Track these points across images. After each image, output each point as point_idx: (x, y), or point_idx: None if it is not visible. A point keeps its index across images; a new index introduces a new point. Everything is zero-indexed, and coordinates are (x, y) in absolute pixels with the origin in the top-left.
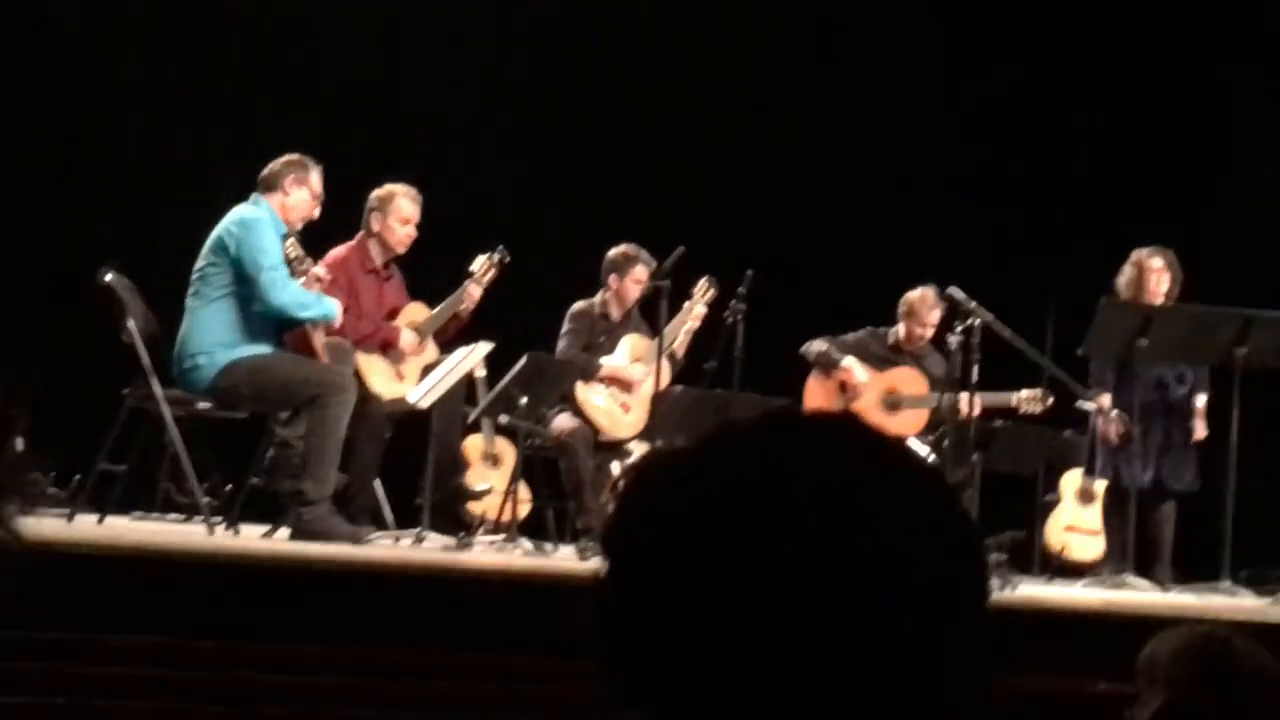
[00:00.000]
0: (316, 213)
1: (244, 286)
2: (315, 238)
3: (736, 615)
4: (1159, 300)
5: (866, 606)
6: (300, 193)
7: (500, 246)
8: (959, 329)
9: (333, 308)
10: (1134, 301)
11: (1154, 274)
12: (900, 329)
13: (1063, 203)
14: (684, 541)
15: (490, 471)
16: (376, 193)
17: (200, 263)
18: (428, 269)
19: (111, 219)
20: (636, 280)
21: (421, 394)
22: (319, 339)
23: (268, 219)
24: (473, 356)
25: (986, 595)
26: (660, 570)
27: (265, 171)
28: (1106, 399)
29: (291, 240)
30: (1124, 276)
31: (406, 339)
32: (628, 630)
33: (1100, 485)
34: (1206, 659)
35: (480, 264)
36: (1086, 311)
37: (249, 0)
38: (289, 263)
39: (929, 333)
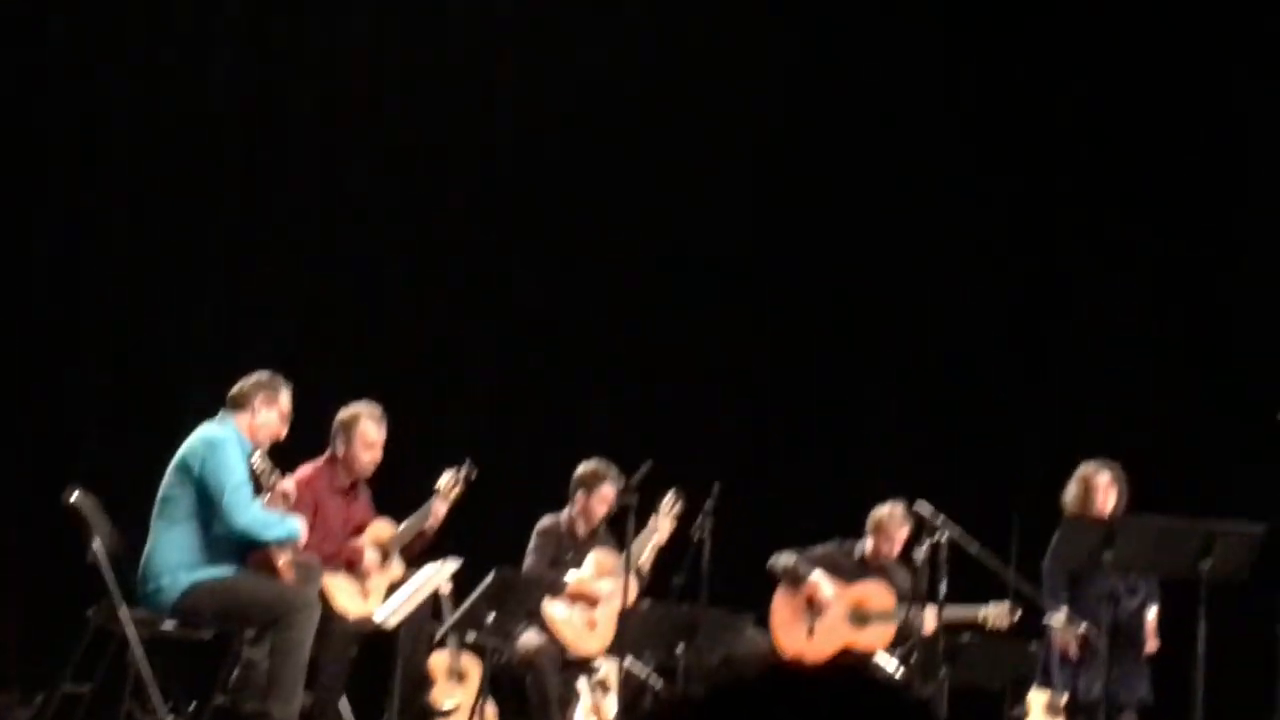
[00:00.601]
0: (284, 433)
1: (207, 508)
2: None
3: None
4: (1105, 514)
5: None
6: (269, 413)
7: (467, 460)
8: (926, 543)
9: (296, 528)
10: (1081, 513)
11: (1101, 490)
12: (868, 543)
13: (1023, 412)
14: None
15: (456, 688)
16: (341, 415)
17: (166, 483)
18: (395, 482)
19: (79, 437)
20: (603, 499)
21: (388, 613)
22: (283, 559)
23: (234, 438)
24: (440, 574)
25: None
26: None
27: (234, 390)
28: (1063, 612)
29: (259, 454)
30: (1070, 493)
31: (370, 559)
32: None
33: (1061, 698)
34: None
35: (446, 480)
36: (1047, 523)
37: (230, 214)
38: (256, 476)
39: (897, 548)
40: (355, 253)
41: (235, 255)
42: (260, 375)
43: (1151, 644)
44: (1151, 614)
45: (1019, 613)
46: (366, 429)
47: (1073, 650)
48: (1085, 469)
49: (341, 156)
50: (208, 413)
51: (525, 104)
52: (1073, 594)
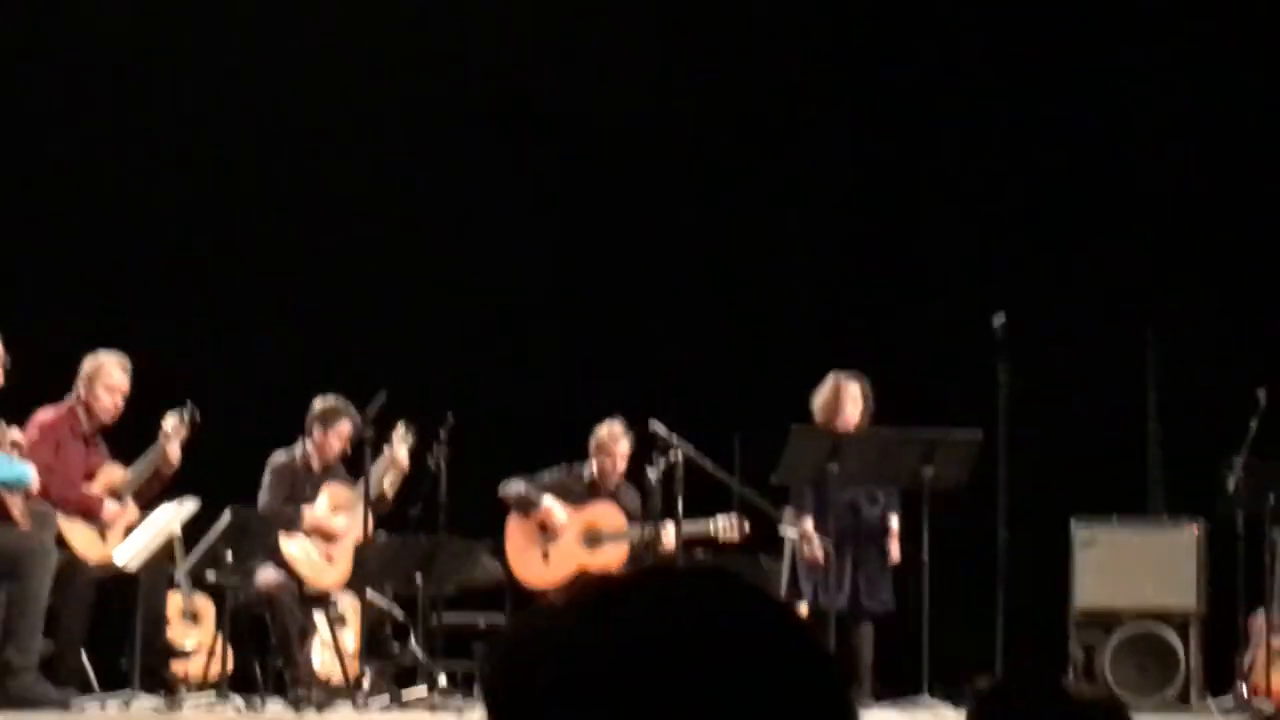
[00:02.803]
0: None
1: None
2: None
3: None
4: (851, 424)
5: None
6: None
7: (188, 402)
8: (661, 462)
9: (27, 472)
10: (826, 423)
11: (850, 400)
12: (593, 465)
13: (748, 328)
14: (570, 695)
15: (191, 629)
16: (87, 361)
17: None
18: (118, 426)
19: None
20: (340, 435)
21: (129, 555)
22: (16, 506)
23: None
24: (178, 514)
25: None
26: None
27: None
28: (809, 522)
29: None
30: (820, 396)
31: (109, 509)
32: None
33: (801, 608)
34: None
35: (171, 423)
36: (770, 439)
37: None
38: None
39: (621, 465)
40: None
41: None
42: None
43: (894, 552)
44: (893, 522)
45: (747, 525)
46: (111, 373)
47: (818, 555)
48: (837, 378)
49: None
50: None
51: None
52: (816, 504)
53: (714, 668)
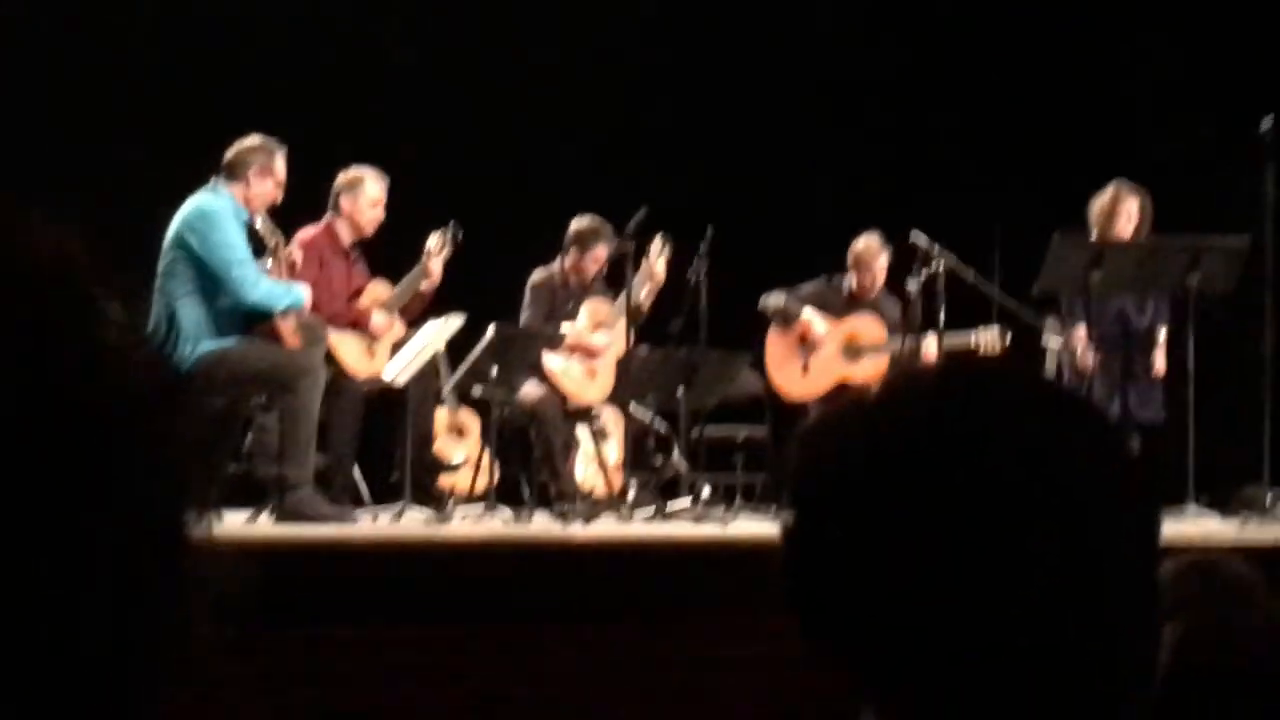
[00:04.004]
0: (279, 198)
1: (210, 281)
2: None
3: (925, 559)
4: (1125, 237)
5: (1043, 547)
6: (264, 183)
7: (453, 222)
8: (922, 274)
9: (301, 295)
10: (1101, 232)
11: (1126, 213)
12: (852, 277)
13: (1006, 143)
14: (875, 490)
15: (457, 443)
16: (344, 175)
17: (164, 259)
18: (382, 247)
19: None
20: (596, 258)
21: (397, 370)
22: (287, 325)
23: (229, 209)
24: (445, 330)
25: (1157, 539)
26: (852, 518)
27: (229, 156)
28: (1082, 331)
29: (262, 217)
30: (1097, 204)
31: (377, 320)
32: (820, 576)
33: None
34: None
35: (435, 241)
36: (1029, 251)
37: None
38: (260, 240)
39: (880, 278)
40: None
41: None
42: (254, 140)
43: (1160, 363)
44: (1162, 333)
45: (1009, 335)
46: (369, 188)
47: (1087, 361)
48: (1118, 188)
49: None
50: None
51: (467, 70)
52: (1085, 314)
53: (1025, 457)
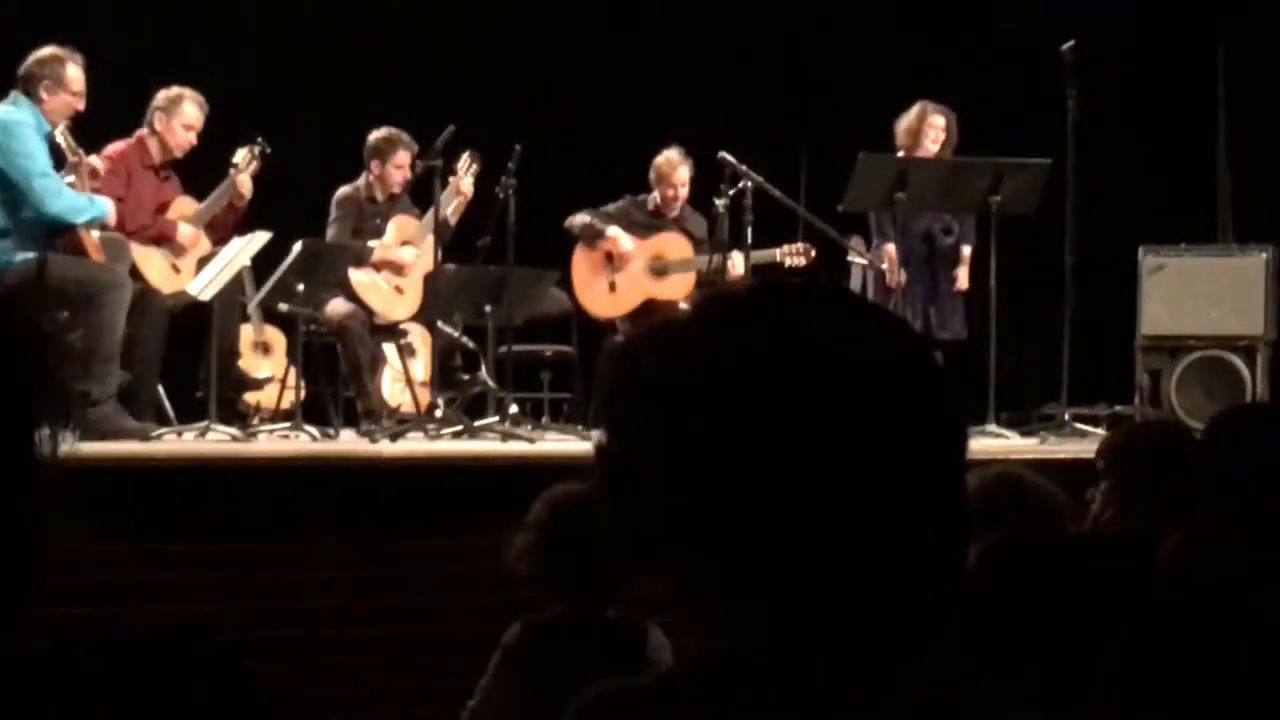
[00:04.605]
0: (80, 107)
1: (10, 192)
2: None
3: (739, 474)
4: (931, 155)
5: (853, 459)
6: (59, 93)
7: (259, 138)
8: (728, 192)
9: (105, 208)
10: (907, 151)
11: (932, 129)
12: (655, 195)
13: (811, 59)
14: (688, 407)
15: (262, 360)
16: (163, 93)
17: None
18: (189, 163)
19: None
20: (398, 165)
21: (202, 285)
22: (91, 239)
23: (30, 120)
24: (250, 246)
25: (963, 452)
26: (665, 435)
27: (22, 69)
28: (891, 248)
29: (62, 129)
30: (903, 123)
31: (184, 232)
32: (635, 493)
33: None
34: (1011, 496)
35: (242, 156)
36: (834, 171)
37: None
38: (59, 154)
39: (682, 193)
40: None
41: None
42: (47, 51)
43: (962, 280)
44: (967, 251)
45: (814, 251)
46: (187, 110)
47: (898, 278)
48: (923, 108)
49: None
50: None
51: None
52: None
53: (833, 372)
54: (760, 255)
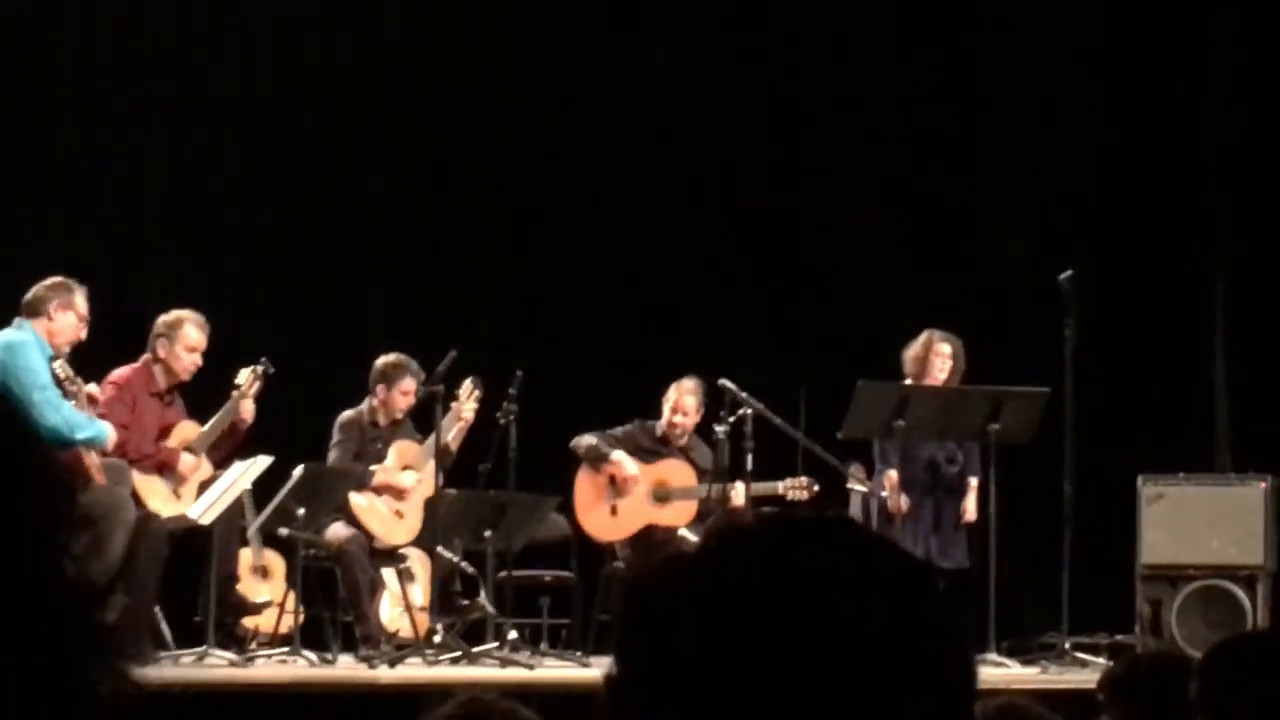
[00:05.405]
0: (83, 335)
1: (17, 406)
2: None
3: (755, 706)
4: (939, 383)
5: (865, 691)
6: (66, 317)
7: (263, 359)
8: (729, 419)
9: (104, 430)
10: (915, 379)
11: (939, 358)
12: (664, 421)
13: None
14: (703, 642)
15: (261, 584)
16: (164, 318)
17: None
18: (193, 383)
19: None
20: (404, 392)
21: (203, 510)
22: (91, 461)
23: (33, 341)
24: (251, 471)
25: (972, 680)
26: (679, 669)
27: (29, 296)
28: (893, 474)
29: (60, 361)
30: (911, 351)
31: (186, 462)
32: None
33: None
34: None
35: (245, 377)
36: (834, 397)
37: None
38: (59, 384)
39: (690, 421)
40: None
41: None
42: (54, 280)
43: (970, 513)
44: (974, 482)
45: (816, 486)
46: (189, 332)
47: (900, 504)
48: (930, 336)
49: None
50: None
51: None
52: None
53: (848, 614)
54: (763, 487)
